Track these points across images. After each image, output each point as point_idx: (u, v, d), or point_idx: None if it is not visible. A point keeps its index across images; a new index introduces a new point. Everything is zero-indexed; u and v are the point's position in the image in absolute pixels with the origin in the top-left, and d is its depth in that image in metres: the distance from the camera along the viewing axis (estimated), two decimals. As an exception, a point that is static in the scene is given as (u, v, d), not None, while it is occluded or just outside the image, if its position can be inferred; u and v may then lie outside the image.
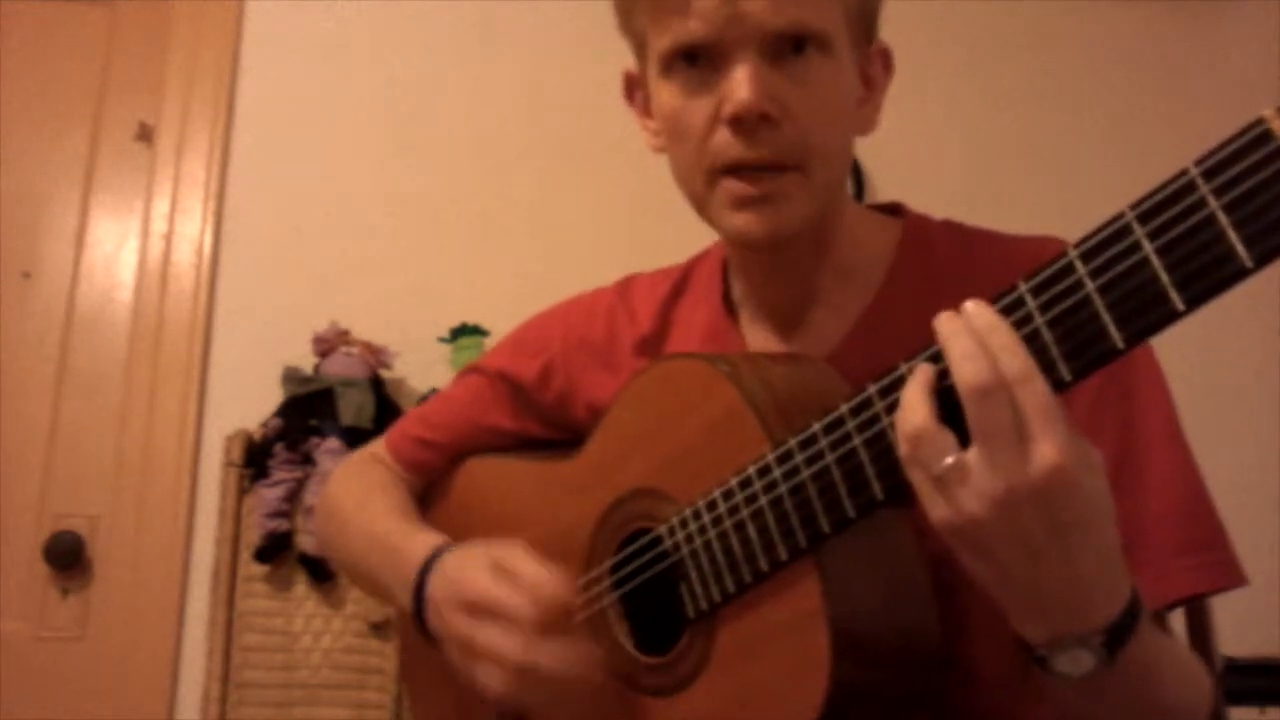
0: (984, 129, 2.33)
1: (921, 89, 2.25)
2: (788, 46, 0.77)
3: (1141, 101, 2.34)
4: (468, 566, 0.82)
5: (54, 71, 2.10)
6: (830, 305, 0.86)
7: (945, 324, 0.58)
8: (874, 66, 0.85)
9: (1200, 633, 1.31)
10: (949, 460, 0.57)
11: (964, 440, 0.57)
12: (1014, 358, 0.56)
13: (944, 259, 0.85)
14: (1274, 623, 1.88)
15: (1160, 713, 0.67)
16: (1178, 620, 1.34)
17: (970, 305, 0.58)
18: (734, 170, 0.78)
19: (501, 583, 0.78)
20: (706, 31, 0.76)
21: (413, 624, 0.88)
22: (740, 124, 0.76)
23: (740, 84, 0.75)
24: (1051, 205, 2.13)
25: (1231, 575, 0.74)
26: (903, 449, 0.59)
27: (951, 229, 0.88)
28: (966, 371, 0.56)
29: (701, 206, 0.83)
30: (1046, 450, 0.55)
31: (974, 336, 0.57)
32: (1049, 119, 2.35)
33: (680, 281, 0.98)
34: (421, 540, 0.91)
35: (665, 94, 0.81)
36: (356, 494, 1.04)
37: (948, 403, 0.58)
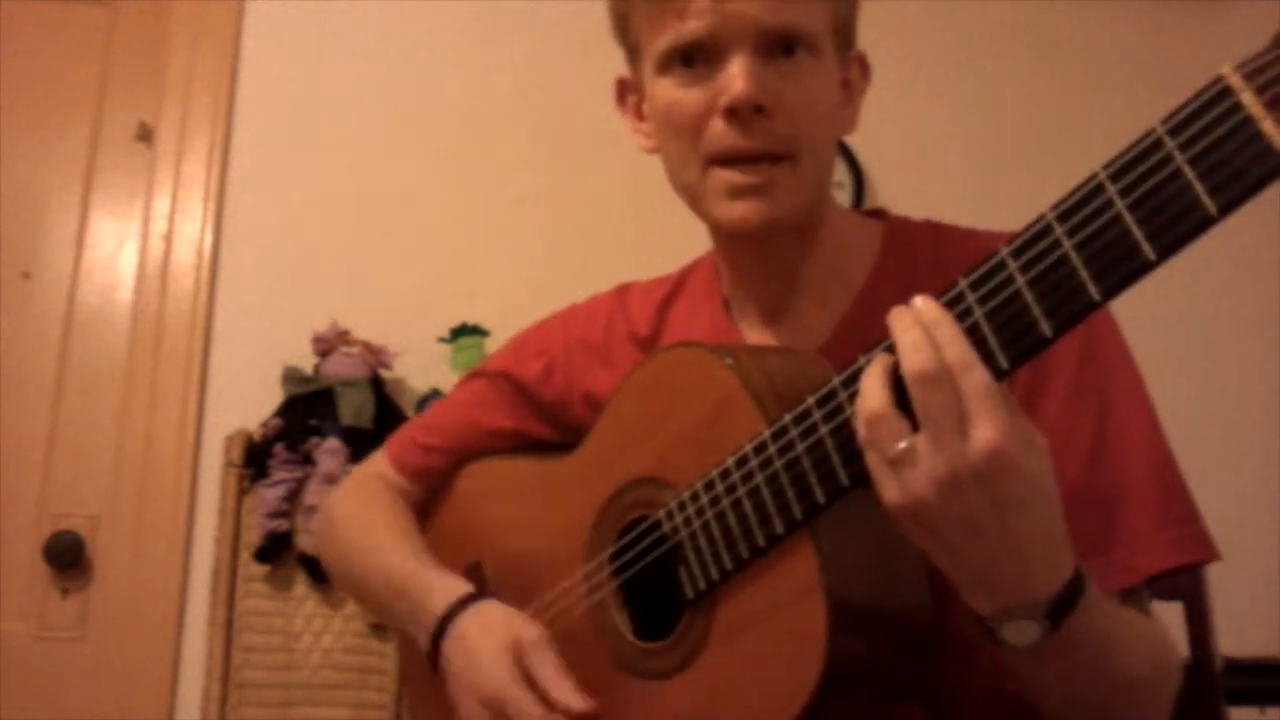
0: (984, 129, 2.33)
1: (921, 89, 2.25)
2: (779, 46, 0.80)
3: (1141, 101, 2.33)
4: (487, 650, 0.83)
5: (54, 71, 2.10)
6: (816, 301, 0.89)
7: (897, 318, 0.62)
8: (852, 72, 0.89)
9: (1200, 633, 1.31)
10: (903, 444, 0.60)
11: (916, 425, 0.60)
12: (956, 349, 0.59)
13: (925, 256, 0.88)
14: (1274, 623, 1.88)
15: (1116, 684, 0.69)
16: (1177, 619, 1.34)
17: (919, 300, 0.62)
18: (728, 160, 0.81)
19: (519, 687, 0.80)
20: (704, 29, 0.80)
21: (426, 660, 0.89)
22: (735, 115, 0.79)
23: (736, 77, 0.79)
24: (1049, 204, 2.13)
25: (1208, 548, 0.77)
26: (861, 432, 0.62)
27: (931, 228, 0.91)
28: (913, 360, 0.59)
29: (694, 197, 0.86)
30: (986, 433, 0.57)
31: (922, 328, 0.60)
32: (1049, 119, 2.35)
33: (675, 287, 1.00)
34: (440, 589, 0.91)
35: (661, 90, 0.84)
36: (359, 516, 1.04)
37: (904, 389, 0.61)
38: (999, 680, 0.75)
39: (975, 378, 0.58)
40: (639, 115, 0.92)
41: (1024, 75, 2.37)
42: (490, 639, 0.84)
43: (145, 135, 2.09)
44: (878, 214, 0.94)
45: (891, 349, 0.62)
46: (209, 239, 2.04)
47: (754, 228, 0.82)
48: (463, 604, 0.88)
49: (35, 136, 2.08)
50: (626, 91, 0.93)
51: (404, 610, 0.94)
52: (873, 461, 0.62)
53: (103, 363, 2.01)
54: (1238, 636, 1.48)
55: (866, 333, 0.69)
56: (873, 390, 0.62)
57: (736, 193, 0.81)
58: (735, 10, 0.79)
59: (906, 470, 0.60)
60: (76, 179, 2.08)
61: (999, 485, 0.58)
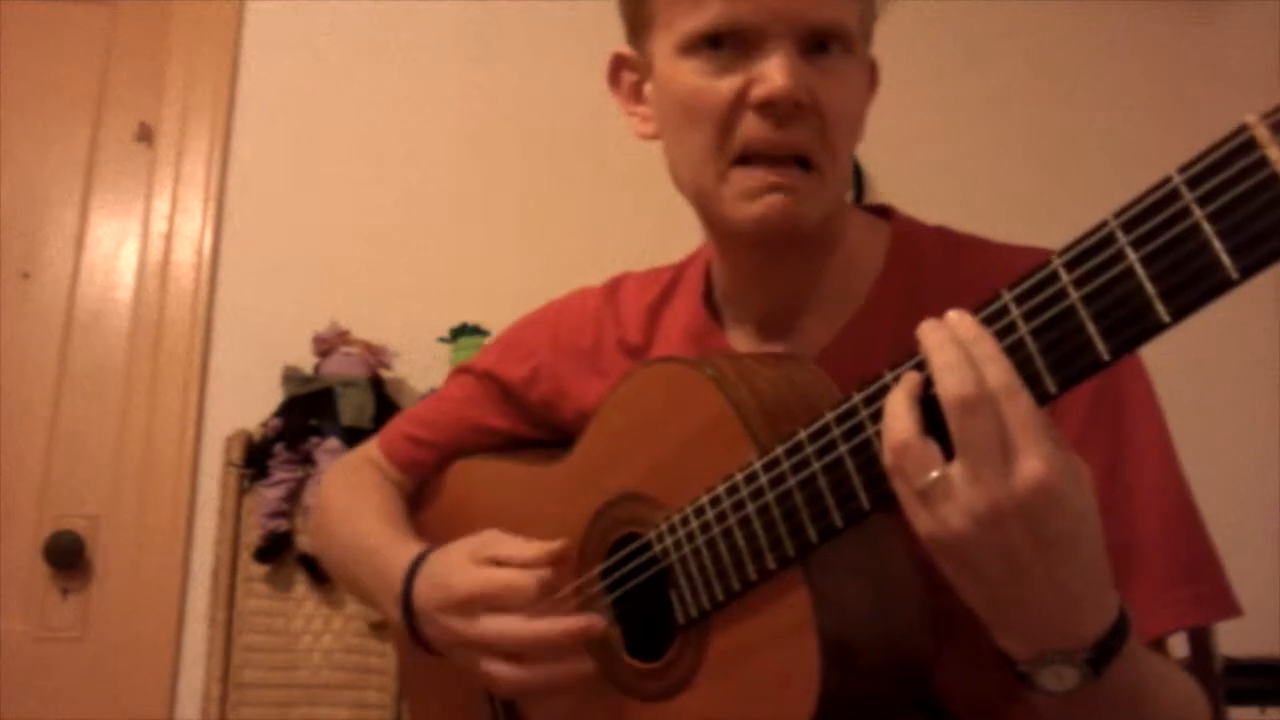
0: (983, 129, 2.33)
1: (921, 89, 2.25)
2: (816, 43, 0.76)
3: (1141, 101, 2.34)
4: (451, 568, 0.83)
5: (54, 71, 2.10)
6: (816, 310, 0.85)
7: (929, 334, 0.57)
8: (865, 77, 0.85)
9: (1200, 633, 1.31)
10: (933, 474, 0.56)
11: (949, 451, 0.56)
12: (998, 370, 0.55)
13: (933, 267, 0.84)
14: (1274, 623, 1.88)
15: None
16: (1177, 620, 1.34)
17: (953, 315, 0.57)
18: (755, 157, 0.76)
19: (485, 570, 0.80)
20: (746, 16, 0.75)
21: (408, 636, 0.87)
22: (772, 109, 0.74)
23: (777, 70, 0.74)
24: (1051, 205, 2.12)
25: (1222, 607, 0.73)
26: (887, 459, 0.58)
27: (942, 236, 0.87)
28: (951, 384, 0.55)
29: (706, 195, 0.80)
30: (1032, 464, 0.54)
31: (958, 347, 0.56)
32: (1049, 119, 2.35)
33: (669, 285, 0.96)
34: (403, 550, 0.90)
35: (681, 73, 0.78)
36: (344, 500, 1.04)
37: (933, 412, 0.57)
38: (998, 713, 0.74)
39: (1019, 404, 0.54)
40: (636, 98, 0.86)
41: (1024, 76, 2.37)
42: (446, 561, 0.84)
43: (145, 135, 2.09)
44: (883, 211, 0.89)
45: (920, 366, 0.58)
46: (209, 239, 2.04)
47: (778, 225, 0.77)
48: (417, 562, 0.87)
49: (35, 136, 2.08)
50: (622, 69, 0.87)
51: (374, 582, 0.93)
52: (902, 491, 0.58)
53: (103, 363, 2.00)
54: (1238, 636, 1.48)
55: (867, 343, 0.67)
56: (899, 416, 0.57)
57: (762, 190, 0.76)
58: (785, 1, 0.74)
59: (941, 503, 0.55)
60: (76, 179, 2.08)
61: (1044, 522, 0.54)
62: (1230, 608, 0.73)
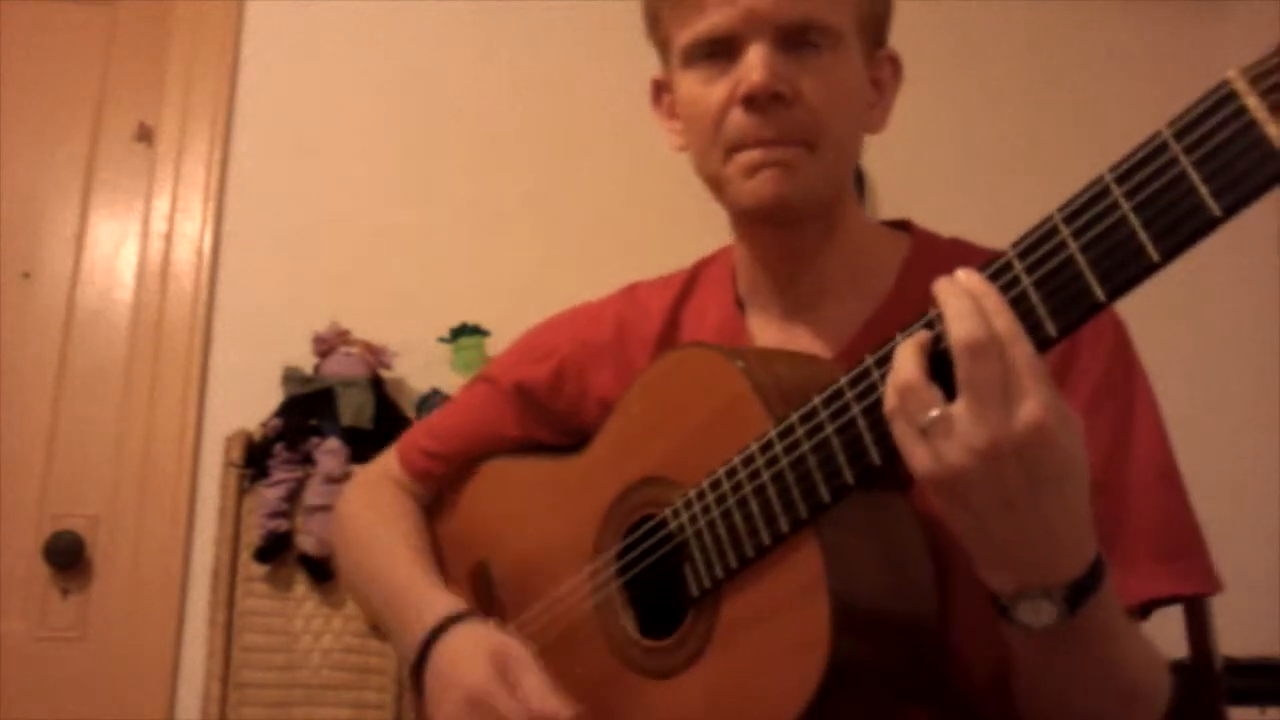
0: (984, 129, 2.33)
1: (921, 89, 2.24)
2: (799, 38, 0.82)
3: (1141, 102, 2.34)
4: (472, 660, 0.83)
5: (54, 71, 2.10)
6: (839, 304, 0.89)
7: (943, 288, 0.62)
8: (883, 71, 0.89)
9: (1200, 633, 1.32)
10: (934, 413, 0.60)
11: (949, 396, 0.60)
12: (1004, 319, 0.59)
13: (950, 270, 0.86)
14: (1274, 623, 1.88)
15: (1118, 691, 0.69)
16: (1177, 619, 1.34)
17: (962, 272, 0.62)
18: (746, 146, 0.82)
19: (497, 687, 0.80)
20: (723, 24, 0.82)
21: (410, 678, 0.89)
22: (753, 103, 0.81)
23: (753, 66, 0.80)
24: (1050, 205, 2.13)
25: (1204, 581, 0.76)
26: (889, 401, 0.62)
27: (959, 246, 0.91)
28: (961, 329, 0.59)
29: (718, 186, 0.87)
30: (1032, 406, 0.58)
31: (969, 299, 0.60)
32: (1049, 119, 2.35)
33: (687, 284, 1.00)
34: (430, 602, 0.92)
35: (686, 84, 0.86)
36: (367, 520, 1.05)
37: (937, 363, 0.61)
38: (1004, 684, 0.75)
39: (1022, 350, 0.58)
40: (672, 115, 0.92)
41: (1024, 75, 2.37)
42: (476, 646, 0.84)
43: (145, 135, 2.09)
44: (903, 225, 0.94)
45: (930, 325, 0.63)
46: (209, 239, 2.04)
47: (772, 199, 0.82)
48: (452, 620, 0.88)
49: (35, 136, 2.08)
50: (661, 91, 0.95)
51: (396, 623, 0.95)
52: (900, 431, 0.62)
53: (103, 363, 2.00)
54: (1238, 636, 1.49)
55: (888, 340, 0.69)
56: (906, 361, 0.62)
57: (756, 168, 0.82)
58: (753, 4, 0.81)
59: (940, 440, 0.60)
60: (76, 179, 2.08)
61: (1037, 460, 0.58)
62: (1209, 584, 0.77)
